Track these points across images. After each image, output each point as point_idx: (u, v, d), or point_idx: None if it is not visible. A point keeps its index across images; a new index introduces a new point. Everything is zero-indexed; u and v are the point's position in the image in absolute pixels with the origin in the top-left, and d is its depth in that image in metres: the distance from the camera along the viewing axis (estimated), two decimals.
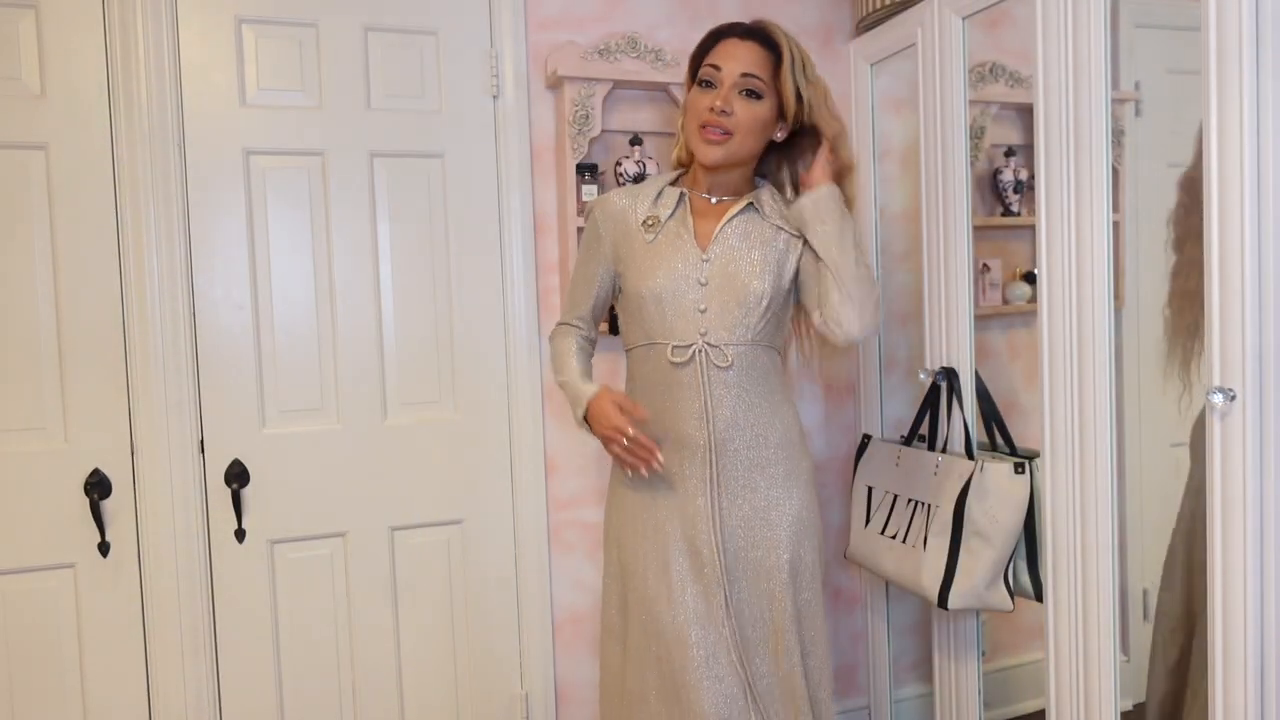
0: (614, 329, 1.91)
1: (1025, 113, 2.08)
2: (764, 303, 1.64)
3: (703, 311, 1.63)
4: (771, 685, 1.67)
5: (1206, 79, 1.39)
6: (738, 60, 1.62)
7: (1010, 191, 2.24)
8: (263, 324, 1.99)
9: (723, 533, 1.65)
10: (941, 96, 2.00)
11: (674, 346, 1.64)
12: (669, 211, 1.69)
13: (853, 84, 2.37)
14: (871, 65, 2.30)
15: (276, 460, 2.00)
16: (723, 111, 1.60)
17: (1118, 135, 1.85)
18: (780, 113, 1.66)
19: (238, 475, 1.96)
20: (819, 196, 1.64)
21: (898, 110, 2.34)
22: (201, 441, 1.95)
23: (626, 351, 1.76)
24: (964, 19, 1.94)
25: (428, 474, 2.11)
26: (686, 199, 1.70)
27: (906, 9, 2.12)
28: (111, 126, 1.86)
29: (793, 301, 1.75)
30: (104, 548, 1.89)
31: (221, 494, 1.97)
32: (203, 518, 1.96)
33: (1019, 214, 2.25)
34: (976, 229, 2.02)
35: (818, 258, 1.65)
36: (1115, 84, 1.71)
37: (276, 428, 2.00)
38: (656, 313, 1.66)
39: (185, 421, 1.92)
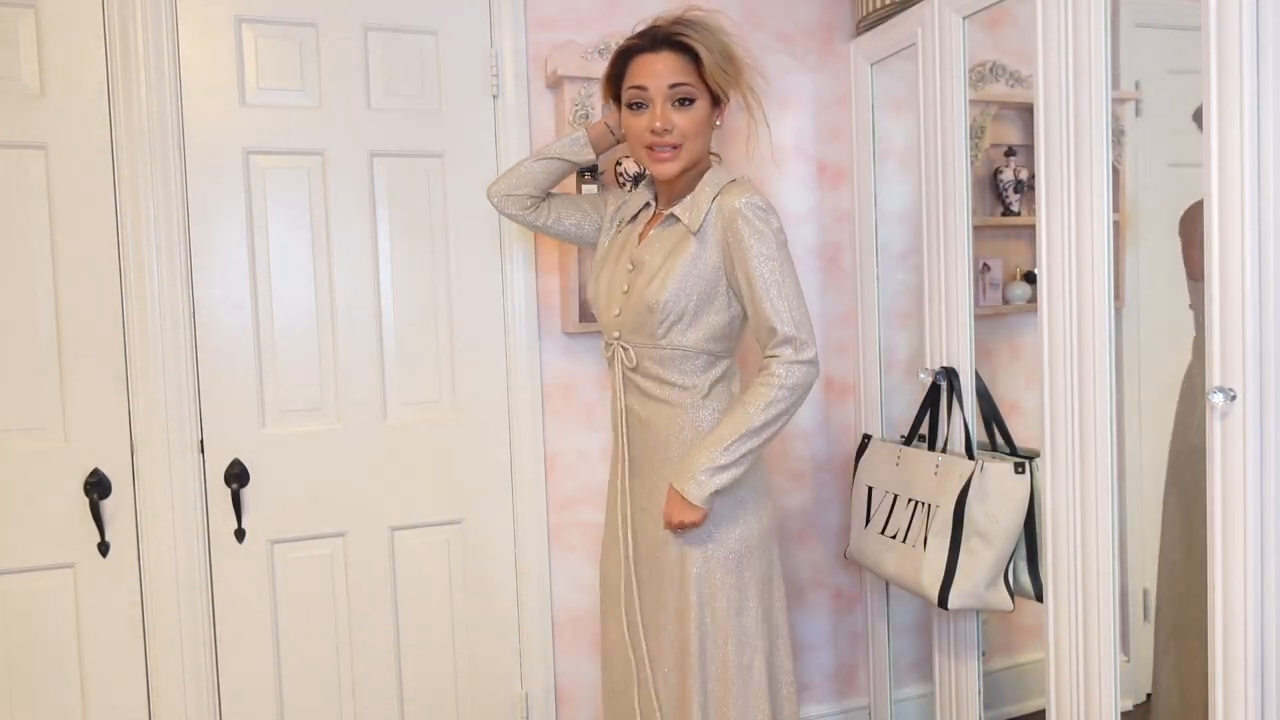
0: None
1: (1025, 113, 2.08)
2: (658, 311, 1.61)
3: (617, 315, 1.71)
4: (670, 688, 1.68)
5: (1206, 79, 1.39)
6: (659, 75, 1.60)
7: (1010, 191, 2.24)
8: (263, 324, 1.99)
9: (634, 534, 1.73)
10: (941, 96, 2.00)
11: (605, 342, 1.77)
12: (630, 218, 1.79)
13: (853, 84, 2.37)
14: (871, 65, 2.30)
15: (276, 460, 2.00)
16: (665, 130, 1.60)
17: (1118, 135, 1.85)
18: (714, 102, 1.66)
19: (237, 475, 1.96)
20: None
21: (898, 110, 2.34)
22: (201, 441, 1.95)
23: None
24: (964, 19, 1.94)
25: (428, 474, 2.11)
26: (652, 210, 1.76)
27: (906, 9, 2.11)
28: (111, 126, 1.86)
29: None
30: (104, 548, 1.88)
31: (221, 494, 1.97)
32: (202, 518, 1.96)
33: (1019, 214, 2.25)
34: (976, 229, 2.02)
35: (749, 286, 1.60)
36: (1115, 84, 1.71)
37: (276, 427, 2.00)
38: (596, 312, 1.80)
39: (185, 421, 1.92)
